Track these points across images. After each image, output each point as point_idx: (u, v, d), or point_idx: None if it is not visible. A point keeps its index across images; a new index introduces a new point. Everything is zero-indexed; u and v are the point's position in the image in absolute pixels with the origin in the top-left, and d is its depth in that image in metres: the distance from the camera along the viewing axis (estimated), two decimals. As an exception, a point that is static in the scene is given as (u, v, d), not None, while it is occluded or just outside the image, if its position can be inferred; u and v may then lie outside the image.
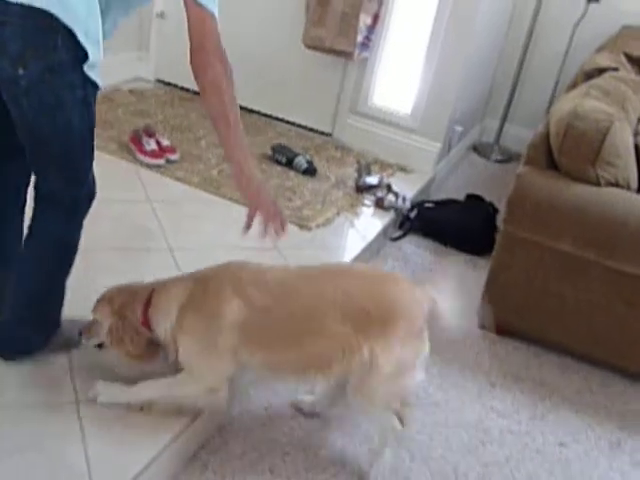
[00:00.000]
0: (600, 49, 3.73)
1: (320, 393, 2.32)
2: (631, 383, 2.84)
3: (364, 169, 3.75)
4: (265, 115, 4.38)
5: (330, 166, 3.90)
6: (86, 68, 1.80)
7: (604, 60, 3.38)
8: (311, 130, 4.31)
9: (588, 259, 2.69)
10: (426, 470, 2.25)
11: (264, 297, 1.99)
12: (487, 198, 3.79)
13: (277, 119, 4.37)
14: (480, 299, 2.97)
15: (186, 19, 1.93)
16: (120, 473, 1.86)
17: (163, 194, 3.29)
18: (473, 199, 3.80)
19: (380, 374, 1.98)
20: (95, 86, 1.87)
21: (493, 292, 2.92)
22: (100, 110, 4.02)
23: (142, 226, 3.00)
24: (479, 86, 4.52)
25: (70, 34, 1.73)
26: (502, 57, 4.71)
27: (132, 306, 2.06)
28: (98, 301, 2.12)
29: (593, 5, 4.28)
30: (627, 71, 3.38)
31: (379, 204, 3.59)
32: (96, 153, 3.15)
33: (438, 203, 3.78)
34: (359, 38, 3.88)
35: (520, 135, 4.50)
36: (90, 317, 2.14)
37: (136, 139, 3.56)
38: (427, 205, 3.73)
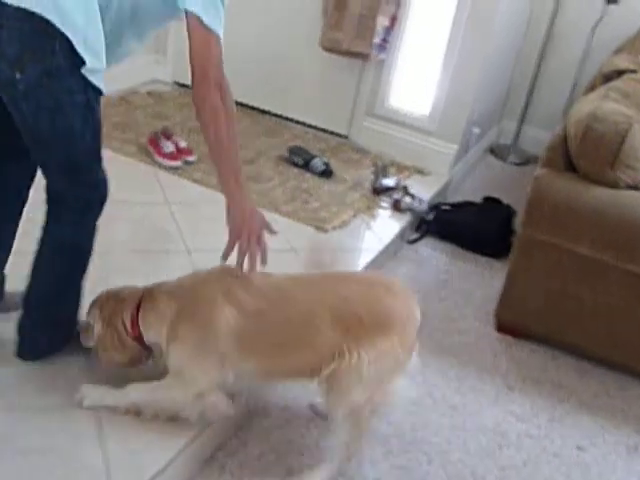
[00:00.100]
0: (618, 51, 3.71)
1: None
2: (649, 387, 2.83)
3: (381, 171, 3.74)
4: (282, 117, 4.39)
5: (347, 168, 3.90)
6: (87, 73, 1.79)
7: (623, 62, 3.35)
8: (327, 132, 4.31)
9: (607, 262, 2.67)
10: (443, 474, 2.25)
11: (256, 301, 1.98)
12: (504, 201, 3.78)
13: (294, 121, 4.37)
14: (497, 302, 2.96)
15: (188, 42, 1.88)
16: (138, 474, 1.87)
17: (181, 196, 3.30)
18: (490, 202, 3.79)
19: (359, 378, 1.94)
20: (98, 91, 1.87)
21: (511, 295, 2.91)
22: (118, 112, 4.07)
23: (160, 228, 3.01)
24: (497, 87, 4.50)
25: (68, 41, 1.73)
26: (520, 58, 4.68)
27: (120, 314, 2.05)
28: (91, 304, 2.12)
29: (612, 6, 4.26)
30: (646, 73, 3.36)
31: (396, 206, 3.59)
32: (114, 155, 3.22)
33: (455, 205, 3.77)
34: (376, 40, 3.88)
35: (537, 137, 4.48)
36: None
37: (154, 141, 3.58)
38: (444, 207, 3.72)
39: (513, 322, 2.96)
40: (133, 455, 1.92)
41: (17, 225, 2.18)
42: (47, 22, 1.70)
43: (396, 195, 3.63)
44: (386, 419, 2.38)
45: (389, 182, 3.70)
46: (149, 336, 2.05)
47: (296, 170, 3.76)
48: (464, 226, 3.58)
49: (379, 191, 3.67)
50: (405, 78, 4.08)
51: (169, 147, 3.55)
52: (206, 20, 1.83)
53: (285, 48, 4.26)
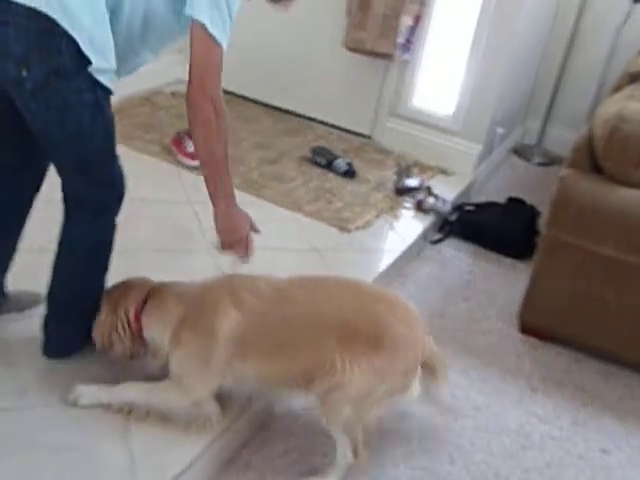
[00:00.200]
0: (645, 50, 3.68)
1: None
2: (675, 390, 2.80)
3: (404, 171, 3.74)
4: (305, 117, 4.39)
5: (370, 168, 3.90)
6: (95, 73, 1.79)
7: (649, 62, 3.33)
8: (351, 132, 4.31)
9: (632, 263, 2.65)
10: (466, 475, 2.24)
11: (259, 304, 1.99)
12: (528, 201, 3.75)
13: (317, 121, 4.37)
14: (520, 303, 2.95)
15: (189, 48, 1.86)
16: (162, 473, 1.88)
17: (204, 195, 3.26)
18: (514, 202, 3.77)
19: (347, 395, 1.93)
20: (107, 90, 1.87)
21: (534, 296, 2.89)
22: (142, 113, 4.09)
23: (183, 227, 3.03)
24: (521, 87, 4.47)
25: (74, 41, 1.73)
26: (545, 56, 4.64)
27: (125, 303, 2.07)
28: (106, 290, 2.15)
29: (638, 5, 4.22)
30: (673, 73, 3.33)
31: (419, 207, 3.58)
32: (138, 155, 3.23)
33: (478, 206, 3.76)
34: (400, 40, 3.88)
35: (562, 138, 4.45)
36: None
37: (178, 141, 3.60)
38: (467, 208, 3.71)
39: (537, 324, 2.94)
40: (157, 454, 1.93)
41: (18, 236, 2.18)
42: (53, 21, 1.70)
43: (419, 195, 3.62)
44: (409, 420, 2.38)
45: (412, 182, 3.69)
46: (149, 332, 2.06)
47: (319, 170, 3.77)
48: (488, 227, 3.57)
49: (402, 191, 3.66)
50: (429, 78, 4.07)
51: (192, 147, 3.56)
52: (211, 30, 1.82)
53: (309, 48, 4.27)
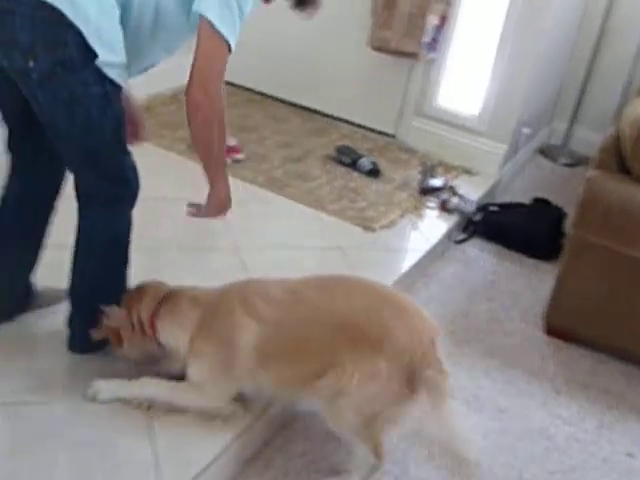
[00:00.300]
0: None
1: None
2: (702, 394, 2.76)
3: (428, 171, 3.72)
4: (330, 116, 4.39)
5: (394, 168, 3.89)
6: (102, 66, 1.78)
7: (678, 62, 3.29)
8: (375, 132, 4.30)
9: (659, 265, 2.63)
10: (490, 476, 2.23)
11: (274, 310, 1.98)
12: (554, 202, 3.72)
13: (342, 120, 4.37)
14: (545, 304, 2.92)
15: (196, 45, 1.84)
16: (186, 468, 1.89)
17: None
18: (540, 203, 3.74)
19: (349, 401, 1.91)
20: (116, 85, 1.86)
21: (560, 297, 2.87)
22: (169, 111, 4.12)
23: (207, 226, 3.02)
24: (548, 87, 4.44)
25: (80, 33, 1.72)
26: (572, 56, 4.60)
27: (138, 309, 2.06)
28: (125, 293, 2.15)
29: (667, 5, 4.18)
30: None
31: (443, 207, 3.57)
32: (165, 153, 3.25)
33: (503, 206, 3.73)
34: (426, 39, 3.86)
35: (588, 138, 4.41)
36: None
37: (203, 139, 3.61)
38: (492, 208, 3.68)
39: (562, 325, 2.92)
40: (181, 449, 1.94)
41: (44, 234, 2.20)
42: (59, 12, 1.69)
43: (444, 195, 3.61)
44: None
45: (437, 182, 3.68)
46: (164, 336, 2.06)
47: (343, 169, 3.76)
48: (513, 227, 3.55)
49: (426, 191, 3.65)
50: (454, 77, 4.05)
51: (218, 145, 3.58)
52: (219, 27, 1.80)
53: (334, 48, 4.26)
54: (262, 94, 4.53)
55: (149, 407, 2.03)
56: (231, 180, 3.39)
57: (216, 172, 2.06)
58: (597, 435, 2.48)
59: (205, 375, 2.02)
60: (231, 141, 3.66)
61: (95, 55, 1.76)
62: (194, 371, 2.02)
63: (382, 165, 3.82)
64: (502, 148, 3.99)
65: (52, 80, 1.77)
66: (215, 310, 2.04)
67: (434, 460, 2.23)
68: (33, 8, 1.70)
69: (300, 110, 4.42)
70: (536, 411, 2.54)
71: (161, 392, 2.04)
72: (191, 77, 1.85)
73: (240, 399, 2.06)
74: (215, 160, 2.03)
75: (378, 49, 4.03)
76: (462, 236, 3.57)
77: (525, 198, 3.83)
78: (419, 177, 3.73)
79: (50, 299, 2.33)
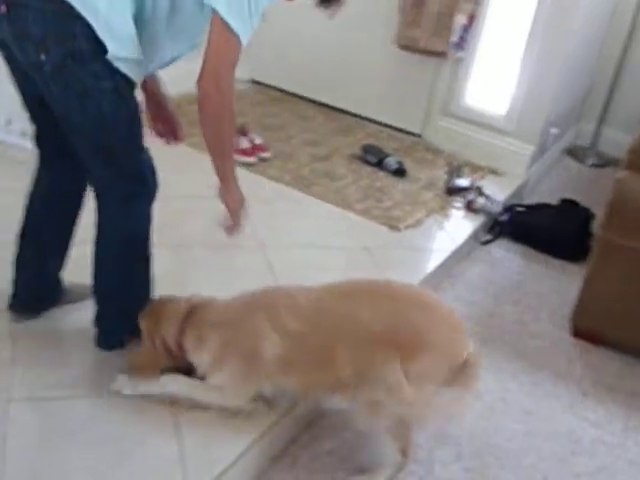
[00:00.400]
0: None
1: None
2: None
3: (455, 171, 3.71)
4: (356, 115, 4.39)
5: (420, 167, 3.88)
6: (113, 60, 1.78)
7: None
8: (401, 131, 4.30)
9: (689, 268, 2.60)
10: (515, 478, 2.21)
11: (299, 323, 1.97)
12: (582, 203, 3.69)
13: (368, 119, 4.37)
14: (572, 306, 2.90)
15: (207, 38, 1.83)
16: (211, 465, 1.89)
17: (255, 192, 3.30)
18: (568, 204, 3.71)
19: (389, 401, 1.92)
20: (129, 80, 1.85)
21: (587, 299, 2.85)
22: (196, 110, 4.09)
23: (234, 223, 3.04)
24: (577, 87, 4.40)
25: (89, 26, 1.72)
26: (601, 56, 4.55)
27: (160, 333, 2.05)
28: (143, 312, 2.14)
29: (699, 4, 4.13)
30: None
31: (469, 207, 3.55)
32: (192, 151, 3.27)
33: (530, 207, 3.71)
34: (454, 38, 3.85)
35: (617, 139, 4.37)
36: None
37: (230, 137, 3.62)
38: (519, 209, 3.66)
39: (589, 327, 2.90)
40: (207, 447, 1.95)
41: (73, 230, 2.21)
42: (68, 5, 1.70)
43: (470, 195, 3.59)
44: (458, 422, 2.36)
45: (463, 182, 3.66)
46: (190, 356, 2.06)
47: (369, 168, 3.77)
48: (540, 228, 3.52)
49: (453, 191, 3.64)
50: (482, 77, 4.03)
51: (245, 143, 3.60)
52: (227, 19, 1.78)
53: (360, 46, 4.26)
54: (289, 93, 4.54)
55: (172, 403, 2.04)
56: (257, 178, 3.48)
57: (226, 168, 2.03)
58: (624, 438, 2.46)
59: (226, 381, 2.03)
60: (257, 139, 3.68)
61: (105, 49, 1.76)
62: (215, 378, 2.03)
63: (408, 165, 3.82)
64: (529, 148, 3.96)
65: (64, 73, 1.78)
66: (239, 322, 2.03)
67: (461, 461, 2.22)
68: (43, 1, 1.72)
69: (326, 109, 4.43)
70: (562, 413, 2.53)
71: (183, 390, 2.05)
72: (202, 69, 1.83)
73: (263, 398, 2.06)
74: (225, 155, 2.00)
75: (405, 48, 4.02)
76: (488, 237, 3.55)
77: (552, 199, 3.81)
78: (445, 177, 3.72)
79: (78, 295, 2.35)
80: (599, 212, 2.84)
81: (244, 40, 1.82)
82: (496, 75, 4.01)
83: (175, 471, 1.86)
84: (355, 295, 2.06)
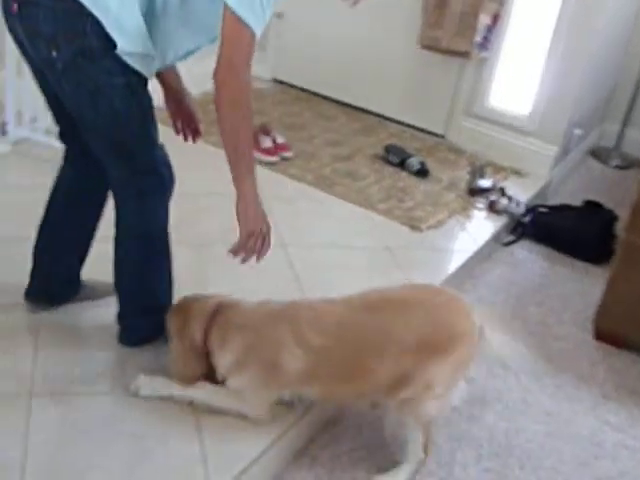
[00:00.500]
0: None
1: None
2: None
3: (477, 172, 3.70)
4: (379, 115, 4.39)
5: (443, 168, 3.87)
6: (124, 56, 1.78)
7: None
8: (424, 131, 4.29)
9: None
10: (535, 480, 2.21)
11: (324, 339, 1.97)
12: (605, 205, 3.66)
13: (391, 119, 4.36)
14: (595, 309, 2.88)
15: (221, 30, 1.80)
16: (232, 463, 1.90)
17: (277, 191, 3.34)
18: (591, 205, 3.68)
19: (432, 394, 1.96)
20: (141, 76, 1.85)
21: (610, 302, 2.82)
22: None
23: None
24: (601, 86, 4.36)
25: (99, 23, 1.73)
26: (626, 56, 4.50)
27: (188, 332, 2.05)
28: (170, 311, 2.14)
29: None
30: None
31: (492, 208, 3.54)
32: (214, 150, 3.28)
33: (553, 208, 3.68)
34: (477, 38, 3.84)
35: (642, 140, 4.34)
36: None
37: (253, 137, 3.63)
38: (542, 210, 3.64)
39: (612, 330, 2.87)
40: (228, 444, 1.96)
41: (95, 227, 2.22)
42: (78, 3, 1.71)
43: (492, 196, 3.57)
44: (479, 423, 2.36)
45: (486, 183, 3.65)
46: (214, 357, 2.06)
47: (392, 169, 3.76)
48: (563, 229, 3.50)
49: (475, 192, 3.62)
50: (506, 77, 4.01)
51: (267, 142, 3.60)
52: (237, 10, 1.75)
53: (384, 47, 4.25)
54: (311, 92, 4.54)
55: (190, 403, 2.04)
56: (279, 178, 3.48)
57: (240, 167, 1.90)
58: (647, 442, 2.45)
59: (244, 386, 2.02)
60: (279, 138, 3.69)
61: (115, 45, 1.77)
62: (234, 381, 2.02)
63: (430, 165, 3.80)
64: (553, 149, 3.94)
65: (75, 70, 1.79)
66: (263, 330, 2.03)
67: (481, 462, 2.22)
68: (54, 0, 1.73)
69: (349, 109, 4.42)
70: (584, 416, 2.51)
71: (202, 394, 2.05)
72: (218, 60, 1.80)
73: (283, 403, 2.07)
74: (239, 151, 1.89)
75: (428, 48, 4.01)
76: (510, 238, 3.53)
77: (576, 200, 3.78)
78: (468, 177, 3.70)
79: (100, 292, 2.36)
80: (623, 214, 2.82)
81: (257, 31, 1.78)
82: (519, 75, 3.98)
83: (196, 469, 1.87)
84: (376, 305, 2.06)
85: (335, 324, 2.01)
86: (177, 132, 2.27)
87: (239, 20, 1.76)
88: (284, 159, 3.62)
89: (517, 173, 3.93)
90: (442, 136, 4.25)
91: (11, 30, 1.87)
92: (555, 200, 3.88)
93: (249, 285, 2.54)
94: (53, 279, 2.29)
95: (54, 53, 1.77)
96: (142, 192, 2.02)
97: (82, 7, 1.72)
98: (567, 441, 2.38)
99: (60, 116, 2.07)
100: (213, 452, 1.92)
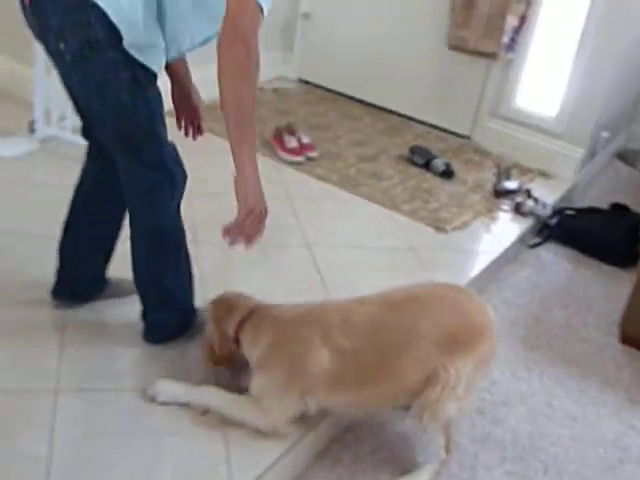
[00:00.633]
0: None
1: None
2: None
3: (503, 173, 3.68)
4: (404, 116, 4.38)
5: (468, 169, 3.85)
6: (130, 49, 1.78)
7: None
8: (449, 132, 4.28)
9: None
10: (560, 484, 2.19)
11: (352, 341, 1.96)
12: (633, 208, 3.63)
13: (416, 120, 4.36)
14: (621, 312, 2.86)
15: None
16: (256, 461, 1.91)
17: (302, 191, 3.35)
18: (618, 208, 3.65)
19: (453, 394, 1.95)
20: (147, 70, 1.84)
21: (636, 306, 2.80)
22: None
23: (280, 221, 3.06)
24: (629, 88, 4.32)
25: (104, 14, 1.73)
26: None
27: (226, 321, 2.08)
28: (210, 301, 2.17)
29: None
30: None
31: (517, 209, 3.52)
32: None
33: (580, 211, 3.66)
34: (505, 39, 3.82)
35: (670, 143, 4.29)
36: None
37: (278, 137, 3.65)
38: (568, 212, 3.62)
39: (638, 334, 2.85)
40: (252, 442, 1.96)
41: (120, 224, 2.22)
42: None
43: (518, 198, 3.56)
44: (502, 426, 2.34)
45: (511, 185, 3.63)
46: (245, 351, 2.08)
47: (417, 170, 3.75)
48: (589, 232, 3.47)
49: (501, 193, 3.61)
50: (533, 78, 3.99)
51: (292, 142, 3.61)
52: None
53: (409, 46, 4.25)
54: (336, 92, 4.55)
55: (204, 412, 2.02)
56: (304, 178, 3.49)
57: (241, 138, 1.82)
58: (673, 448, 2.42)
59: (268, 390, 2.00)
60: (305, 138, 3.69)
61: (121, 37, 1.77)
62: (257, 383, 2.01)
63: (456, 166, 3.79)
64: (579, 151, 3.91)
65: (82, 61, 1.80)
66: (292, 334, 2.02)
67: (504, 465, 2.20)
68: None
69: (374, 109, 4.42)
70: (609, 420, 2.49)
71: (220, 403, 2.03)
72: (222, 26, 1.75)
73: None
74: (241, 120, 1.80)
75: (455, 48, 4.00)
76: (536, 240, 3.51)
77: (602, 203, 3.75)
78: (493, 179, 3.69)
79: (125, 290, 2.37)
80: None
81: (264, 6, 1.74)
82: (546, 77, 3.96)
83: (219, 468, 1.88)
84: (402, 304, 2.05)
85: (364, 322, 2.00)
86: (180, 127, 2.27)
87: None
88: (309, 159, 3.63)
89: (543, 175, 3.91)
90: (468, 137, 4.23)
91: (29, 25, 1.89)
92: (582, 203, 3.85)
93: (275, 285, 2.54)
94: (79, 277, 2.30)
95: (62, 45, 1.79)
96: (151, 187, 2.01)
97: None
98: (592, 445, 2.36)
99: (79, 110, 2.08)
100: (236, 451, 1.92)
